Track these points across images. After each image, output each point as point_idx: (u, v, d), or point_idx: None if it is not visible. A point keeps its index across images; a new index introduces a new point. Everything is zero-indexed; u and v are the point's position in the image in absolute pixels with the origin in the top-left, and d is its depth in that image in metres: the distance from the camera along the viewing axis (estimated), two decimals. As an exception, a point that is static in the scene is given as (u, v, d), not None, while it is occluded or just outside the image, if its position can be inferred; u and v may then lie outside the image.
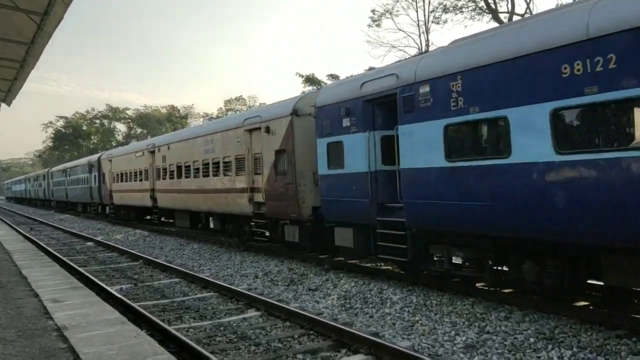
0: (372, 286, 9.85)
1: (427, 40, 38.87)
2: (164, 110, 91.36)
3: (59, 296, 7.79)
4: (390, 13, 39.26)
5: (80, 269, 12.73)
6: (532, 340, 6.55)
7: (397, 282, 10.06)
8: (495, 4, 34.19)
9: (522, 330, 6.94)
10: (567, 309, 7.38)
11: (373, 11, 40.46)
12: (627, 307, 7.41)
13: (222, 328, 7.74)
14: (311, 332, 7.26)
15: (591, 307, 7.46)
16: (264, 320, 8.11)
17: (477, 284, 9.12)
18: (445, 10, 37.36)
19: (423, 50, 38.27)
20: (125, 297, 9.45)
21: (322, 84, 43.44)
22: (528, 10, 32.31)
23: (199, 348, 6.22)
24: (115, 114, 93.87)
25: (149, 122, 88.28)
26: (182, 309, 9.12)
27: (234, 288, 9.96)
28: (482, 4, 35.01)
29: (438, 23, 38.90)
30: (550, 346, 6.30)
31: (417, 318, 7.85)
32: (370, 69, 39.59)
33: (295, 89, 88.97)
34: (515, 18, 32.62)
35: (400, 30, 50.09)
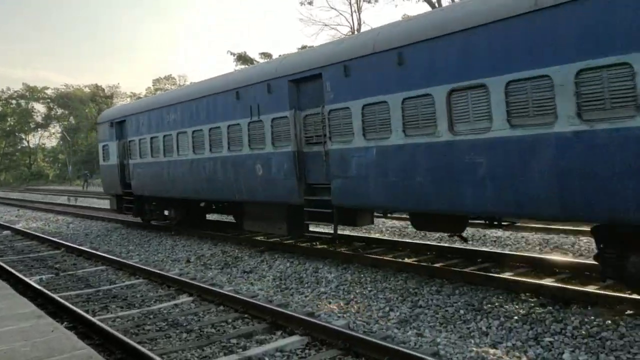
0: (307, 265, 9.80)
1: (359, 19, 38.98)
2: (87, 90, 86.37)
3: (-34, 291, 7.15)
4: (323, -10, 38.93)
5: (-5, 260, 11.82)
6: (462, 312, 6.74)
7: (332, 260, 10.07)
8: (425, -16, 34.62)
9: (453, 302, 7.12)
10: (494, 280, 7.66)
11: (305, -12, 39.91)
12: (551, 276, 7.79)
13: (151, 316, 7.41)
14: (245, 315, 7.10)
15: (517, 278, 7.76)
16: (197, 305, 7.85)
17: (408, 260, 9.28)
18: (377, -11, 37.48)
19: (355, 29, 38.36)
20: (45, 288, 8.84)
21: (254, 62, 42.56)
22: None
23: (124, 338, 5.90)
24: (33, 93, 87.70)
25: (71, 103, 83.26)
26: (108, 298, 8.66)
27: (164, 274, 9.59)
28: (412, -17, 35.41)
29: (369, 2, 39.09)
30: (479, 317, 6.50)
31: (352, 296, 7.87)
32: (303, 47, 39.06)
33: (228, 67, 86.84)
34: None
35: (332, 8, 49.73)
